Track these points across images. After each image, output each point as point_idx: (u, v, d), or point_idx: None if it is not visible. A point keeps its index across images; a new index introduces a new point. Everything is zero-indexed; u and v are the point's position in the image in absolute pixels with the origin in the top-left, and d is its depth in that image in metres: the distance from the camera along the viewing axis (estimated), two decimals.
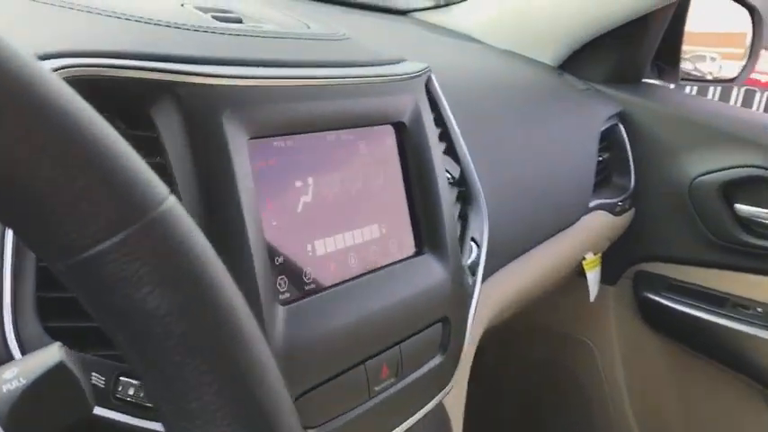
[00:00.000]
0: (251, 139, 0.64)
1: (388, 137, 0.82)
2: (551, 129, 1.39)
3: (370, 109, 0.79)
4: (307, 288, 0.69)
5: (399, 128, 0.83)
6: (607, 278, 1.71)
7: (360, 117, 0.77)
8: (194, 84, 0.60)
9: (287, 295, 0.67)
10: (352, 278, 0.74)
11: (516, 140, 1.25)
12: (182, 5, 0.78)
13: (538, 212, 1.22)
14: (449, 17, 1.79)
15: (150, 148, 0.60)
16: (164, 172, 0.59)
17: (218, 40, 0.70)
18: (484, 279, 1.05)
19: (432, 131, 0.86)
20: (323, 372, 0.68)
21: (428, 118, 0.86)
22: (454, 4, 1.81)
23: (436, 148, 0.87)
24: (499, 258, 1.10)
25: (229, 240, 0.61)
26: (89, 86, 0.56)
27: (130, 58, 0.57)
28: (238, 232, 0.61)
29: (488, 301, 1.09)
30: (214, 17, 0.77)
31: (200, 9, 0.78)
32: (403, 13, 1.82)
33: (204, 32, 0.69)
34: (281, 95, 0.67)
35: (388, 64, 0.85)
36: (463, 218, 0.99)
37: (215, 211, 0.60)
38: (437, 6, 1.82)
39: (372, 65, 0.82)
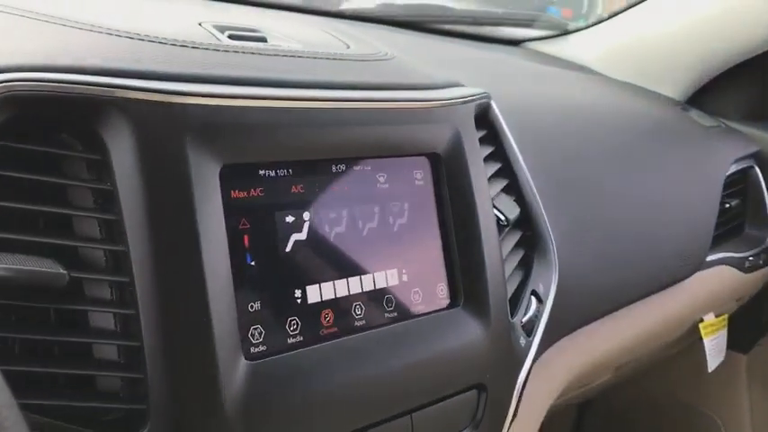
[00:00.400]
0: (226, 166, 0.56)
1: (417, 169, 0.71)
2: (663, 169, 1.22)
3: (391, 137, 0.68)
4: (291, 341, 0.60)
5: (434, 160, 0.72)
6: (738, 345, 1.48)
7: (378, 146, 0.67)
8: (152, 101, 0.53)
9: (261, 348, 0.58)
10: (355, 332, 0.64)
11: (613, 181, 1.09)
12: (199, 24, 0.72)
13: (633, 266, 1.05)
14: (565, 47, 1.65)
15: (99, 172, 0.53)
16: (110, 199, 0.52)
17: (213, 57, 0.63)
18: (555, 340, 0.91)
19: (476, 165, 0.75)
20: None
21: (473, 150, 0.75)
22: (571, 33, 1.67)
23: (481, 185, 0.75)
24: (577, 317, 0.95)
25: (183, 281, 0.53)
26: (40, 103, 0.50)
27: (72, 72, 0.51)
28: (194, 272, 0.53)
29: (560, 366, 0.94)
30: (231, 36, 0.70)
31: (219, 28, 0.71)
32: (516, 43, 1.71)
33: (197, 49, 0.63)
34: (269, 118, 0.59)
35: (430, 88, 0.75)
36: (525, 267, 0.86)
37: (169, 248, 0.52)
38: (553, 36, 1.69)
39: (405, 88, 0.72)
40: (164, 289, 0.52)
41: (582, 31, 1.66)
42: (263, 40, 0.72)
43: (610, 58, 1.58)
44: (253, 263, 0.58)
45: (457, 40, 1.54)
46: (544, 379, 0.90)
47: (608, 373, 1.19)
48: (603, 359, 1.07)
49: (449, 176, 0.73)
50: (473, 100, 0.78)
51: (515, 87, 1.12)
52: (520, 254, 0.85)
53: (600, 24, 1.62)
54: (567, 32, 1.68)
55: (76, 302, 0.52)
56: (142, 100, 0.53)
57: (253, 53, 0.66)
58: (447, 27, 1.59)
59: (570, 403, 1.67)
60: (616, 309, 1.02)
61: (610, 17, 1.60)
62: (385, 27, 1.42)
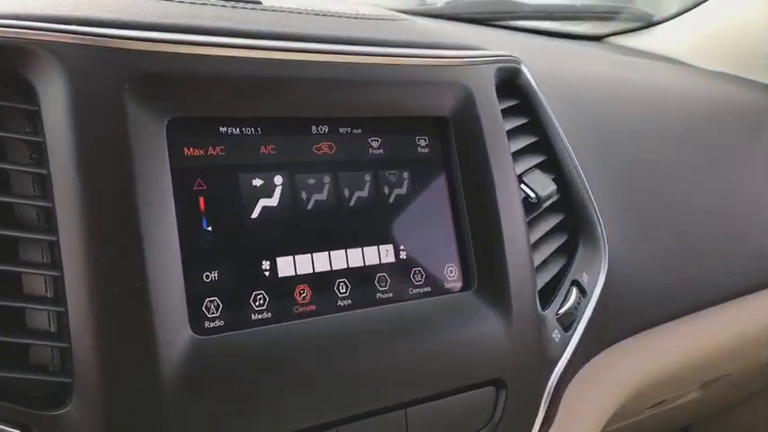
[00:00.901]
0: (175, 119, 0.51)
1: (421, 135, 0.63)
2: (757, 158, 1.07)
3: (386, 96, 0.61)
4: (256, 318, 0.53)
5: (442, 125, 0.64)
6: None
7: (369, 105, 0.60)
8: (87, 46, 0.48)
9: (218, 323, 0.51)
10: (338, 312, 0.56)
11: (691, 169, 0.96)
12: None
13: (712, 262, 0.91)
14: (650, 39, 1.52)
15: (31, 123, 0.49)
16: (39, 152, 0.48)
17: (179, 8, 0.57)
18: (609, 341, 0.79)
19: (494, 134, 0.66)
20: None
21: (490, 116, 0.66)
22: (657, 24, 1.54)
23: (500, 155, 0.65)
24: (637, 316, 0.82)
25: (115, 242, 0.47)
26: None
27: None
28: (128, 233, 0.47)
29: (618, 373, 0.82)
30: None
31: None
32: (597, 38, 1.59)
33: (162, 0, 0.58)
34: (230, 68, 0.53)
35: (440, 48, 0.67)
36: (567, 254, 0.75)
37: (99, 206, 0.47)
38: (637, 28, 1.56)
39: (408, 46, 0.64)
40: (92, 250, 0.46)
41: (669, 22, 1.52)
42: (258, 1, 0.67)
43: (700, 47, 1.44)
44: (210, 228, 0.52)
45: (529, 35, 1.45)
46: (596, 385, 0.78)
47: (692, 390, 1.04)
48: (679, 371, 0.93)
49: (459, 144, 0.64)
50: (492, 62, 0.69)
51: (572, 67, 1.02)
52: (560, 239, 0.75)
53: (688, 13, 1.48)
54: (652, 24, 1.55)
55: (7, 264, 0.47)
56: (76, 44, 0.48)
57: (231, 7, 0.61)
58: (521, 24, 1.50)
59: (672, 426, 1.50)
60: (690, 311, 0.89)
61: (698, 4, 1.46)
62: (449, 22, 1.35)
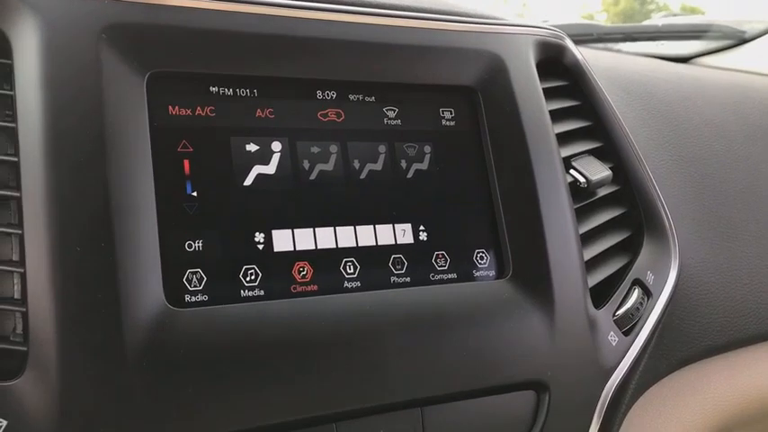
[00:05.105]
0: (156, 75, 0.47)
1: (446, 106, 0.57)
2: None
3: (404, 62, 0.55)
4: (246, 294, 0.47)
5: (470, 96, 0.58)
6: None
7: (385, 71, 0.55)
8: None
9: (200, 297, 0.46)
10: (342, 293, 0.50)
11: None
12: None
13: None
14: (742, 58, 1.41)
15: (6, 77, 0.46)
16: (9, 107, 0.45)
17: None
18: (690, 356, 0.69)
19: (532, 108, 0.59)
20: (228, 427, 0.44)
21: (527, 89, 0.59)
22: (750, 41, 1.43)
23: (539, 132, 0.58)
24: (727, 330, 0.71)
25: (80, 202, 0.43)
26: None
27: None
28: (95, 193, 0.43)
29: (708, 395, 0.71)
30: None
31: None
32: (684, 60, 1.49)
33: None
34: (223, 22, 0.49)
35: (470, 16, 0.61)
36: (629, 250, 0.66)
37: (66, 163, 0.43)
38: (728, 47, 1.45)
39: (431, 12, 0.59)
40: (53, 206, 0.42)
41: (764, 37, 1.41)
42: None
43: None
44: (195, 193, 0.47)
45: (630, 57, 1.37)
46: (668, 413, 0.67)
47: None
48: None
49: (490, 118, 0.58)
50: (530, 33, 0.63)
51: (652, 74, 0.94)
52: (621, 234, 0.66)
53: None
54: (744, 41, 1.43)
55: None
56: None
57: None
58: (600, 46, 1.43)
59: None
60: None
61: None
62: None
